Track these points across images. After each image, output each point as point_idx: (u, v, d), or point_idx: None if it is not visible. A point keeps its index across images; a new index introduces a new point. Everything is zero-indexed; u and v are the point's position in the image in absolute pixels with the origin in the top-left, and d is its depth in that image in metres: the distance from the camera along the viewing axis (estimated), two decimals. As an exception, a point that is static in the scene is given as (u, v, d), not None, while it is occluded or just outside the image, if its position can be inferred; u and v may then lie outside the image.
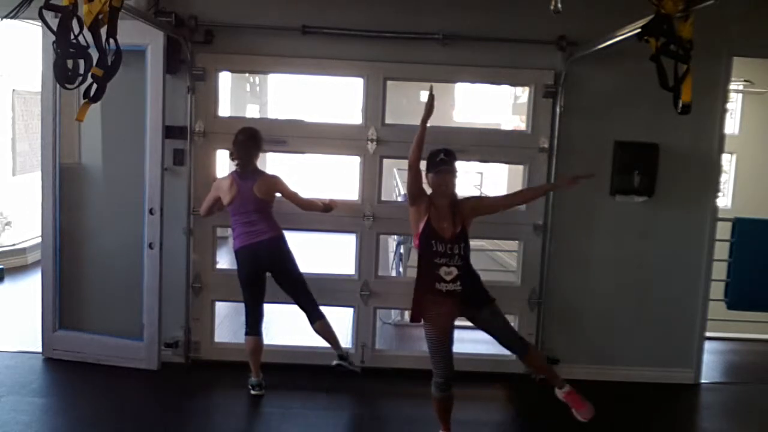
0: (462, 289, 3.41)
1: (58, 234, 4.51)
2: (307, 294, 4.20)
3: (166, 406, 4.07)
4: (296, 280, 4.20)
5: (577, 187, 3.70)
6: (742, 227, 5.11)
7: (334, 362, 4.31)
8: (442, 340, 3.38)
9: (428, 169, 3.45)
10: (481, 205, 3.68)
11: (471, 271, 3.52)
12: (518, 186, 4.71)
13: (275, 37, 4.46)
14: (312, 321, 4.19)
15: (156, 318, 4.43)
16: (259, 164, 4.26)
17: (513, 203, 3.86)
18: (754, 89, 8.57)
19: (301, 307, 4.21)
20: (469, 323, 3.64)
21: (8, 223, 7.27)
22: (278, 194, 4.19)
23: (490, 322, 3.54)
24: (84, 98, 2.88)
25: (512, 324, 4.67)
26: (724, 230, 4.98)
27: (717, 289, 5.00)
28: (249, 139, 4.12)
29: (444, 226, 3.41)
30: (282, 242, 4.17)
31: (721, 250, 4.92)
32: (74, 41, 2.75)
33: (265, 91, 13.26)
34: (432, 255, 3.39)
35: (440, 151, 3.43)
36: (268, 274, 4.18)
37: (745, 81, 8.32)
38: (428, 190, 3.50)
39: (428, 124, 3.43)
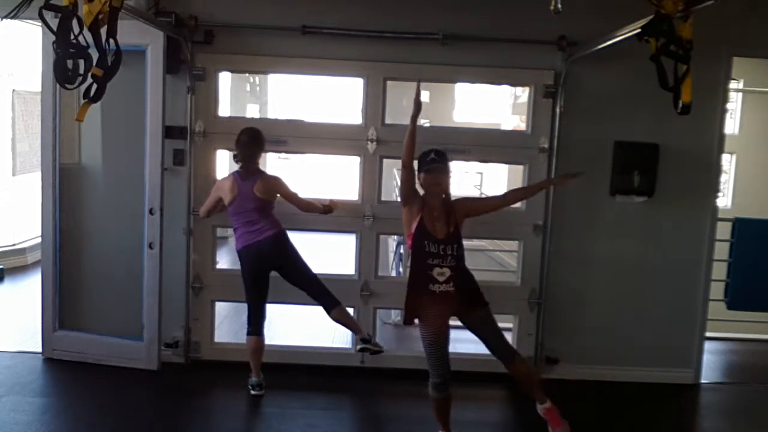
0: (456, 290, 3.39)
1: (58, 234, 4.51)
2: (317, 284, 4.19)
3: (166, 406, 4.07)
4: (303, 272, 4.19)
5: (571, 184, 3.69)
6: (742, 227, 5.11)
7: (358, 347, 4.30)
8: (438, 341, 3.37)
9: (419, 169, 3.42)
10: (475, 205, 3.66)
11: (466, 272, 3.50)
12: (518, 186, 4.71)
13: (275, 37, 4.46)
14: (328, 310, 4.18)
15: (156, 318, 4.43)
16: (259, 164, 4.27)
17: (507, 203, 3.76)
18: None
19: (314, 298, 4.21)
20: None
21: None
22: (278, 195, 4.19)
23: (482, 325, 3.50)
24: (84, 98, 2.88)
25: (512, 324, 4.71)
26: (724, 230, 4.97)
27: (717, 289, 5.00)
28: (251, 140, 4.13)
29: (437, 226, 3.39)
30: (284, 238, 4.17)
31: (721, 250, 4.92)
32: (74, 41, 2.75)
33: (265, 91, 13.26)
34: (425, 256, 3.37)
35: (431, 151, 3.41)
36: (273, 274, 4.17)
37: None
38: (421, 192, 3.48)
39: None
